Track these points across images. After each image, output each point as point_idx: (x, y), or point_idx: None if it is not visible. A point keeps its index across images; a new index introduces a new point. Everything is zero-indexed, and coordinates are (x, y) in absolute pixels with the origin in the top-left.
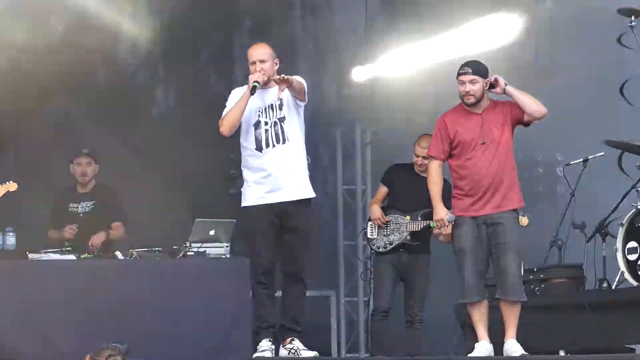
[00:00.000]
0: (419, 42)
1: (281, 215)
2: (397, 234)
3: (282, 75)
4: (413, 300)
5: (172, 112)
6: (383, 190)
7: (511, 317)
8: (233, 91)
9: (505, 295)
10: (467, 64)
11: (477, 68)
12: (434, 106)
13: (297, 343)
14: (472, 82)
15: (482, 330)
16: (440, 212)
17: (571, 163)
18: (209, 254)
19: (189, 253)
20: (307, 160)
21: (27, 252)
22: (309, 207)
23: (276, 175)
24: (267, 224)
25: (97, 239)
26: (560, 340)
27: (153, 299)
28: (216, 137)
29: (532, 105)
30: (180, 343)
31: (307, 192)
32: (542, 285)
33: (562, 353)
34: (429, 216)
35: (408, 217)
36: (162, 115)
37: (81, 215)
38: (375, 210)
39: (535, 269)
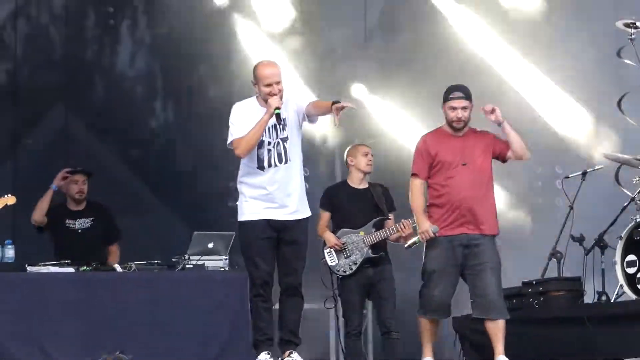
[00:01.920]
0: (417, 56)
1: (279, 229)
2: (357, 252)
3: (342, 103)
4: (384, 310)
5: (171, 125)
6: (326, 215)
7: (498, 335)
8: (235, 107)
9: (488, 313)
10: (458, 88)
11: (468, 93)
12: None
13: (295, 356)
14: (464, 108)
15: (428, 347)
16: (424, 224)
17: (570, 176)
18: (207, 266)
19: (187, 266)
20: (306, 172)
21: (26, 265)
22: (306, 223)
23: (276, 194)
24: (265, 238)
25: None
26: (559, 353)
27: (152, 312)
28: (214, 150)
29: (522, 146)
30: (179, 355)
31: (304, 212)
32: (541, 298)
33: None
34: (379, 225)
35: (362, 233)
36: (160, 127)
37: (80, 231)
38: (330, 237)
39: (534, 282)
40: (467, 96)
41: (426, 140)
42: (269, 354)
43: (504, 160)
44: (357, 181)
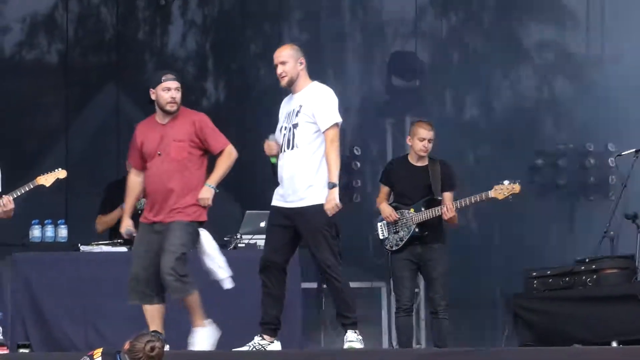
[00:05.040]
0: (469, 31)
1: (289, 216)
2: (405, 228)
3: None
4: (433, 291)
5: (222, 105)
6: (384, 189)
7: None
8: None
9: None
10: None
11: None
12: (484, 96)
13: (350, 334)
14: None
15: None
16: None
17: (623, 153)
18: (259, 245)
19: (239, 245)
20: (357, 151)
21: (79, 244)
22: (316, 209)
23: (284, 181)
24: (275, 225)
25: None
26: (612, 331)
27: (203, 291)
28: (265, 128)
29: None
30: (230, 335)
31: (312, 199)
32: (594, 276)
33: (614, 344)
34: (431, 204)
35: (412, 210)
36: (211, 107)
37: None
38: (386, 208)
39: (587, 260)
40: (176, 78)
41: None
42: (260, 336)
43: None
44: (415, 158)
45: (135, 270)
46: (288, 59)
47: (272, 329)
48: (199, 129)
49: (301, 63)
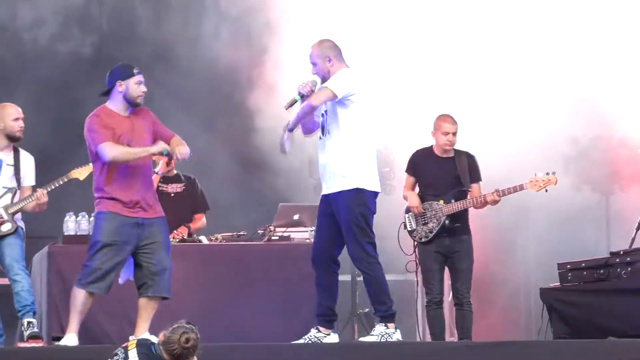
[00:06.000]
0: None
1: (329, 203)
2: (434, 220)
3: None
4: (459, 282)
5: (255, 97)
6: (409, 180)
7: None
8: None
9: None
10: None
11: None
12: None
13: (376, 328)
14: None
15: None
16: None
17: None
18: (293, 238)
19: (273, 237)
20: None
21: None
22: (354, 196)
23: (320, 167)
24: (322, 212)
25: (179, 235)
26: None
27: (237, 283)
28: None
29: None
30: (265, 326)
31: (342, 185)
32: (629, 269)
33: None
34: (460, 195)
35: (441, 202)
36: (245, 98)
37: (172, 195)
38: (414, 198)
39: (621, 252)
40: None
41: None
42: (316, 328)
43: None
44: (441, 150)
45: None
46: (316, 60)
47: (326, 320)
48: (154, 121)
49: (329, 60)
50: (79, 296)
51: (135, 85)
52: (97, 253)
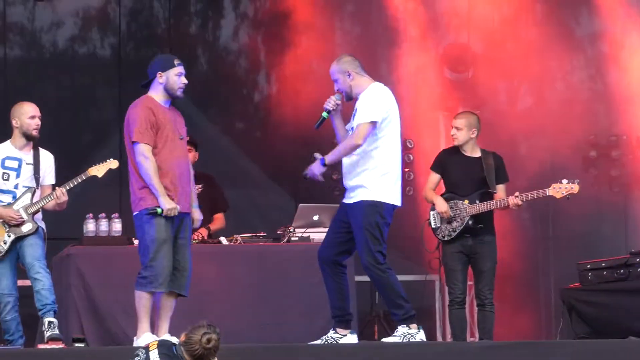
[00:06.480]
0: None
1: (346, 212)
2: (458, 220)
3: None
4: (482, 283)
5: (273, 98)
6: (434, 177)
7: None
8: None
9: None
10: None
11: None
12: (537, 85)
13: (398, 329)
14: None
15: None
16: None
17: None
18: (312, 238)
19: (293, 238)
20: (410, 144)
21: (133, 238)
22: (372, 206)
23: (343, 173)
24: (336, 218)
25: (199, 236)
26: None
27: (257, 284)
28: (316, 121)
29: None
30: (285, 327)
31: (357, 196)
32: None
33: None
34: (486, 197)
35: (466, 201)
36: (264, 100)
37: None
38: (442, 204)
39: None
40: None
41: None
42: (334, 329)
43: None
44: (468, 149)
45: None
46: (337, 76)
47: (342, 320)
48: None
49: (349, 75)
50: (145, 298)
51: (175, 77)
52: (158, 252)
